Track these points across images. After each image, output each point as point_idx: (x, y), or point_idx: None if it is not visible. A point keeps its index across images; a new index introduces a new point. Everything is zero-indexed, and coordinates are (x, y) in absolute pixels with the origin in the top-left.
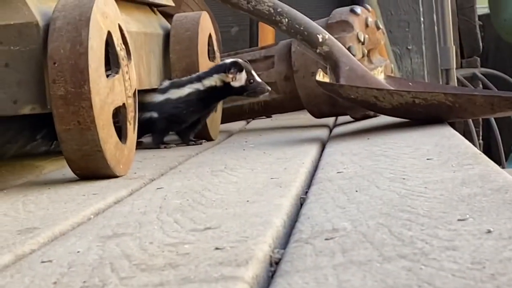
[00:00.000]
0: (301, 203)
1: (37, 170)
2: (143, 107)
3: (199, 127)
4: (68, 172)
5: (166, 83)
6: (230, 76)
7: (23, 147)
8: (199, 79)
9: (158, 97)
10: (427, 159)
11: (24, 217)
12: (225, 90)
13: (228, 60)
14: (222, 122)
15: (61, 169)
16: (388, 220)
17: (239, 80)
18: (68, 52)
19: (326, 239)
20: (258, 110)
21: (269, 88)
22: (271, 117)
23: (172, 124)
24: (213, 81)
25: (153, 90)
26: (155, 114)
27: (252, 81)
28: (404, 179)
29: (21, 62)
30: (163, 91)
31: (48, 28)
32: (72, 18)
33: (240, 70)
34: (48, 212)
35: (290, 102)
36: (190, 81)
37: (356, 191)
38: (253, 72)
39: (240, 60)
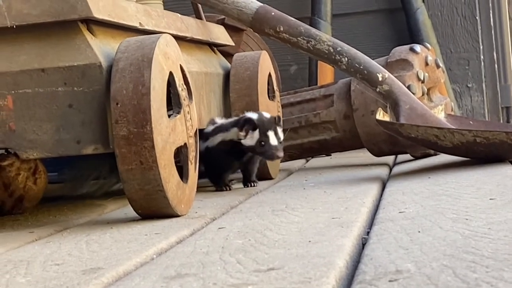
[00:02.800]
0: (363, 243)
1: (99, 209)
2: None
3: (254, 169)
4: (130, 211)
5: (210, 128)
6: (242, 133)
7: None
8: (226, 129)
9: (202, 145)
10: (490, 199)
11: (88, 256)
12: (239, 146)
13: (248, 115)
14: (282, 161)
15: (123, 208)
16: (452, 262)
17: (250, 139)
18: (131, 92)
19: (390, 281)
20: (317, 148)
21: (280, 155)
22: (330, 155)
23: (217, 170)
24: (231, 135)
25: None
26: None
27: (263, 143)
28: (467, 219)
29: (84, 102)
30: (205, 138)
31: (111, 69)
32: (135, 59)
33: (253, 129)
34: (111, 252)
35: (350, 140)
36: (221, 129)
37: (419, 231)
38: (269, 133)
39: (260, 117)
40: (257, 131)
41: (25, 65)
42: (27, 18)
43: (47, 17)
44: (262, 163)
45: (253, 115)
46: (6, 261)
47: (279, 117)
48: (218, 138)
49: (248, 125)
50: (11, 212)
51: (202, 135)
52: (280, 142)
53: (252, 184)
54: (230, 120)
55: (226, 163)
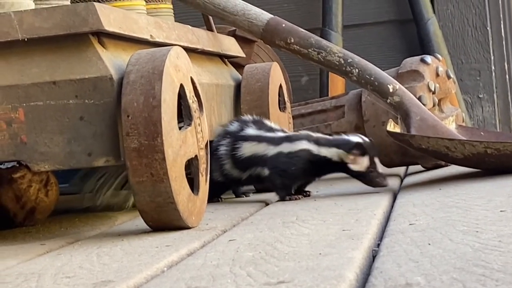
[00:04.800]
0: (373, 255)
1: (110, 221)
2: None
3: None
4: (141, 223)
5: (280, 133)
6: (351, 157)
7: None
8: (318, 142)
9: (270, 149)
10: (501, 211)
11: (99, 269)
12: (340, 167)
13: (354, 139)
14: None
15: (134, 219)
16: (462, 275)
17: (360, 164)
18: (142, 105)
19: None
20: None
21: (387, 184)
22: None
23: (288, 178)
24: (330, 153)
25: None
26: (266, 170)
27: (372, 170)
28: (477, 232)
29: (95, 115)
30: (276, 143)
31: (122, 81)
32: (146, 72)
33: (363, 154)
34: (122, 265)
35: None
36: (307, 138)
37: (429, 244)
38: (376, 160)
39: (365, 142)
40: (366, 156)
41: (37, 78)
42: (38, 31)
43: (58, 30)
44: None
45: (358, 139)
46: (17, 274)
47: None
48: (300, 145)
49: (357, 150)
50: (23, 224)
51: (264, 138)
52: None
53: (307, 194)
54: (317, 135)
55: (300, 174)
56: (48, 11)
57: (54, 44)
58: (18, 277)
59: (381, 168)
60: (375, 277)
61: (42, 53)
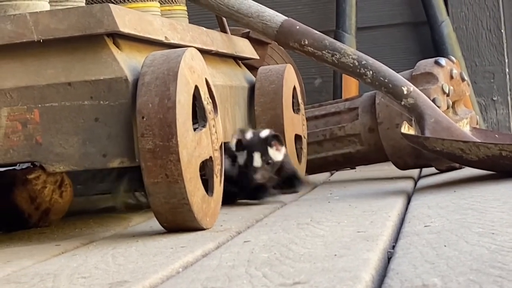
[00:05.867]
0: (388, 257)
1: (124, 222)
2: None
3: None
4: (155, 224)
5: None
6: (237, 153)
7: None
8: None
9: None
10: None
11: (114, 270)
12: None
13: (245, 135)
14: (306, 174)
15: (148, 221)
16: (478, 277)
17: (240, 159)
18: (157, 106)
19: None
20: (342, 161)
21: (257, 178)
22: (355, 168)
23: None
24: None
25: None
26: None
27: (248, 165)
28: (493, 234)
29: (110, 116)
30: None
31: (137, 82)
32: (161, 73)
33: (242, 149)
34: (137, 265)
35: (375, 153)
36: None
37: (445, 246)
38: (255, 156)
39: (252, 138)
40: (245, 151)
41: (52, 79)
42: (54, 32)
43: (74, 32)
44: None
45: (248, 134)
46: (33, 274)
47: (274, 136)
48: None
49: (239, 145)
50: (37, 225)
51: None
52: (268, 163)
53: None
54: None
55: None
56: (63, 12)
57: (70, 45)
58: (34, 277)
59: (259, 163)
60: (391, 279)
61: (58, 54)
